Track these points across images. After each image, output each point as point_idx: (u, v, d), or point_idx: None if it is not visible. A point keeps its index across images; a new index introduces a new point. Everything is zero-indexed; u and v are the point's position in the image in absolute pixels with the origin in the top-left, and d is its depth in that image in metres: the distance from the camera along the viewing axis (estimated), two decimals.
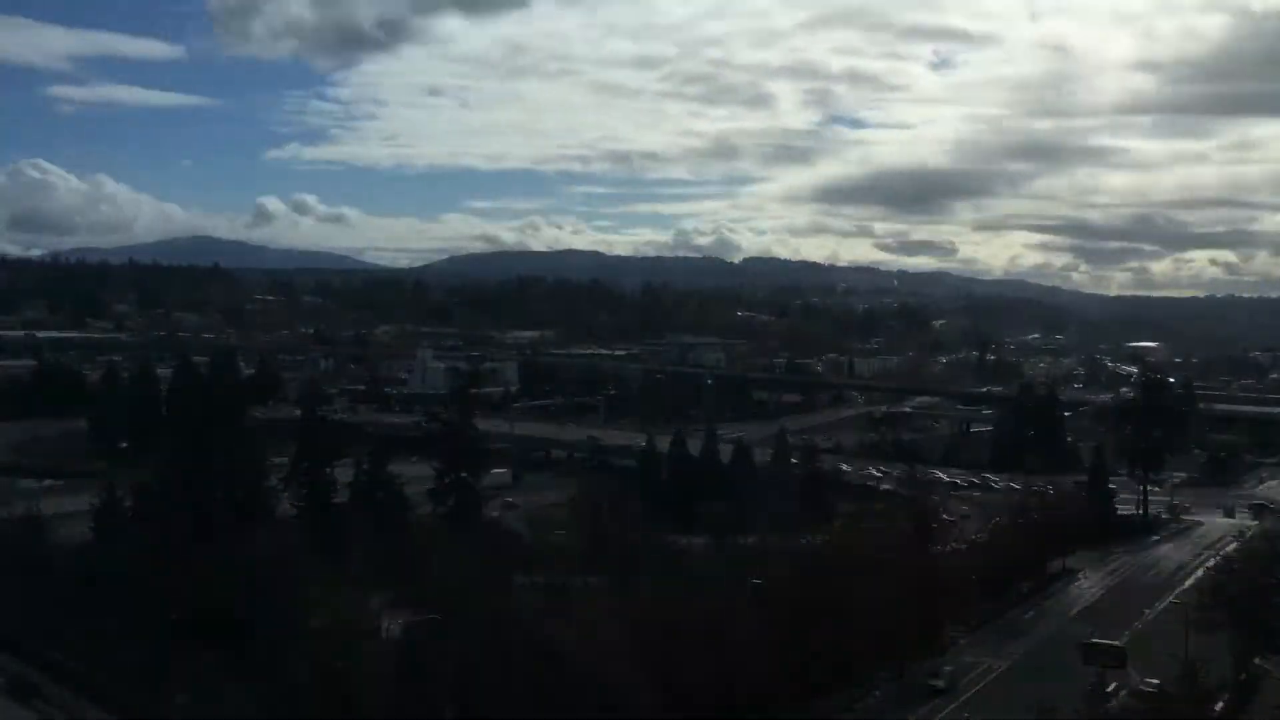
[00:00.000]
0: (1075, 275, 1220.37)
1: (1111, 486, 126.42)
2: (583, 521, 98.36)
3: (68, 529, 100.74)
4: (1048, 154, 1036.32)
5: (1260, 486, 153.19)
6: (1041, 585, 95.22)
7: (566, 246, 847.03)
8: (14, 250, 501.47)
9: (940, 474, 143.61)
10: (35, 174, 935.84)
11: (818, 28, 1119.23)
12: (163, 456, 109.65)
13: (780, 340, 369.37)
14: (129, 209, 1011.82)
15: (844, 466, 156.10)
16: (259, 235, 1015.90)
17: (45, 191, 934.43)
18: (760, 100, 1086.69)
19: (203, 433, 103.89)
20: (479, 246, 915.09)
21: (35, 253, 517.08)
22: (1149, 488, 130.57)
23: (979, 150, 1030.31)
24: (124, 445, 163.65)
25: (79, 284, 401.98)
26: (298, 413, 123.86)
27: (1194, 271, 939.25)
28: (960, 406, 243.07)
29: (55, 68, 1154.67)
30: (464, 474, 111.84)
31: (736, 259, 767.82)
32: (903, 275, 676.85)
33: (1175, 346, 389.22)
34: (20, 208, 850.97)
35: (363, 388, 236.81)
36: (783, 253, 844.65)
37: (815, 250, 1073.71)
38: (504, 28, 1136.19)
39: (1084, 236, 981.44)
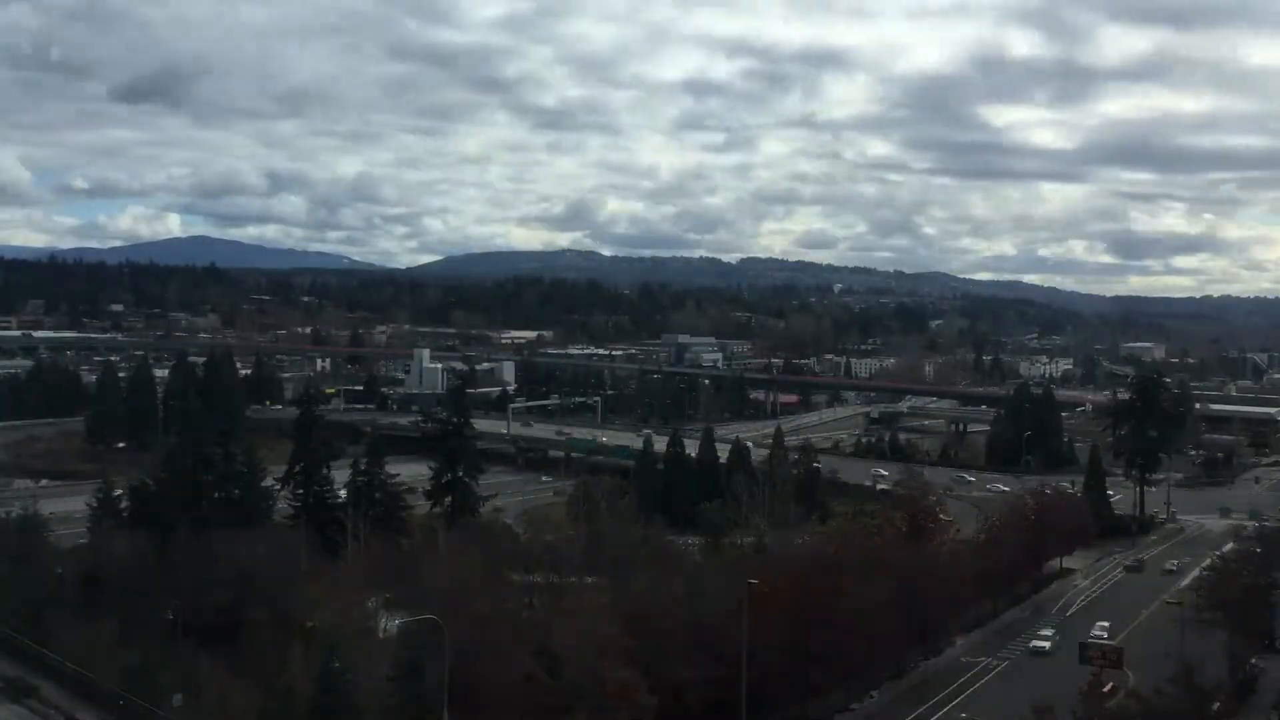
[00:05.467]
0: (1072, 275, 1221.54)
1: (1110, 490, 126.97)
2: (579, 521, 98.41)
3: (65, 529, 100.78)
4: None
5: (1255, 486, 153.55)
6: (1038, 585, 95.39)
7: (563, 246, 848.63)
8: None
9: (937, 474, 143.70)
10: None
11: None
12: (160, 456, 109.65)
13: (777, 340, 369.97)
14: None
15: (840, 466, 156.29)
16: (256, 235, 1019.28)
17: None
18: None
19: (200, 433, 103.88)
20: (475, 246, 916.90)
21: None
22: (1145, 488, 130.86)
23: None
24: (121, 445, 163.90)
25: (76, 284, 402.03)
26: (295, 413, 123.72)
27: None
28: (957, 406, 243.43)
29: None
30: (461, 473, 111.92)
31: (734, 259, 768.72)
32: (900, 275, 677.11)
33: (1172, 347, 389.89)
34: None
35: (360, 388, 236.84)
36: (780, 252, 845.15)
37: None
38: None
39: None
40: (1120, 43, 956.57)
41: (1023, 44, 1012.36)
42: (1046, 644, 73.85)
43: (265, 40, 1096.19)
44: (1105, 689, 56.79)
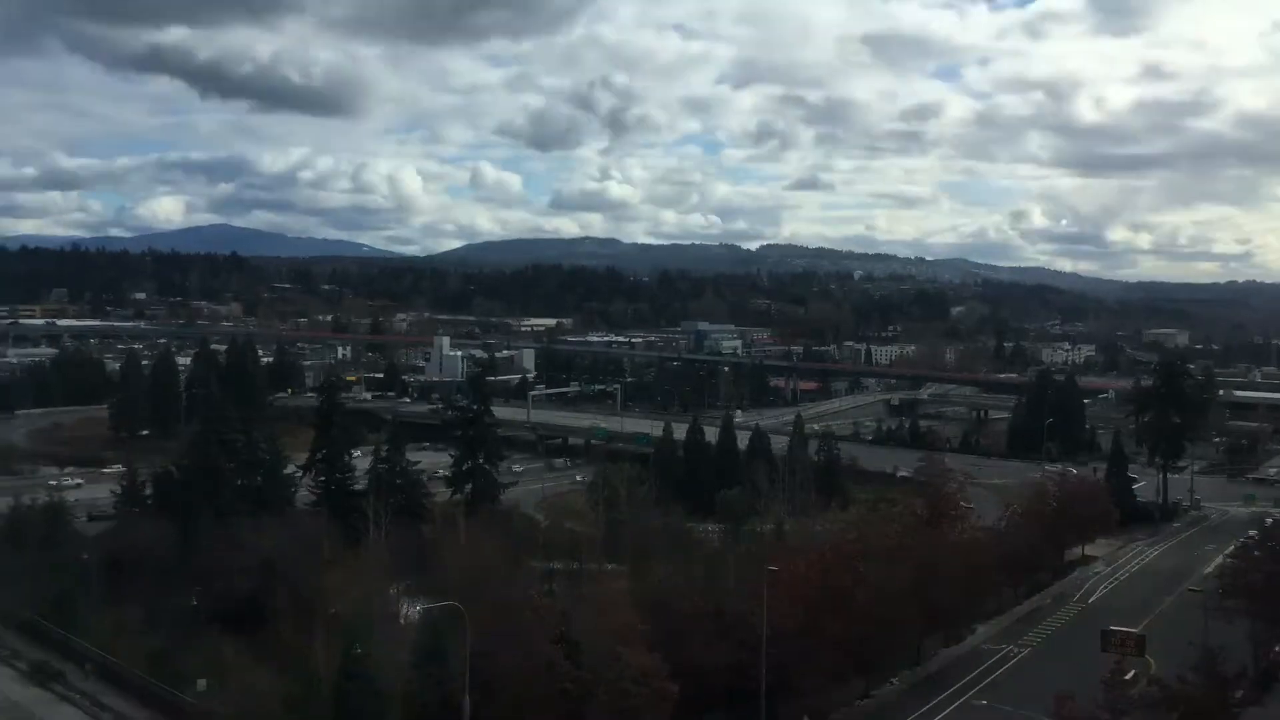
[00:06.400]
0: (1095, 261, 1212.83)
1: (1132, 476, 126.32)
2: (599, 508, 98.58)
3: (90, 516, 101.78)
4: None
5: (1273, 471, 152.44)
6: (1060, 572, 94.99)
7: (582, 234, 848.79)
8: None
9: (958, 461, 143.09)
10: None
11: None
12: (183, 444, 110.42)
13: (797, 327, 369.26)
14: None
15: (861, 453, 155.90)
16: (276, 224, 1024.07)
17: None
18: None
19: (222, 420, 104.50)
20: (495, 234, 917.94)
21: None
22: (1168, 475, 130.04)
23: None
24: (145, 433, 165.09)
25: (99, 272, 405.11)
26: (316, 400, 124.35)
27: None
28: (978, 393, 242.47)
29: None
30: (482, 461, 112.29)
31: (753, 246, 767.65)
32: (920, 262, 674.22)
33: (1195, 333, 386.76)
34: None
35: (380, 375, 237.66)
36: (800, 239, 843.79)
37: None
38: None
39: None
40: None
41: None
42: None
43: (285, 28, 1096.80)
44: (1127, 676, 56.50)
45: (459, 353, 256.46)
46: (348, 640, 53.16)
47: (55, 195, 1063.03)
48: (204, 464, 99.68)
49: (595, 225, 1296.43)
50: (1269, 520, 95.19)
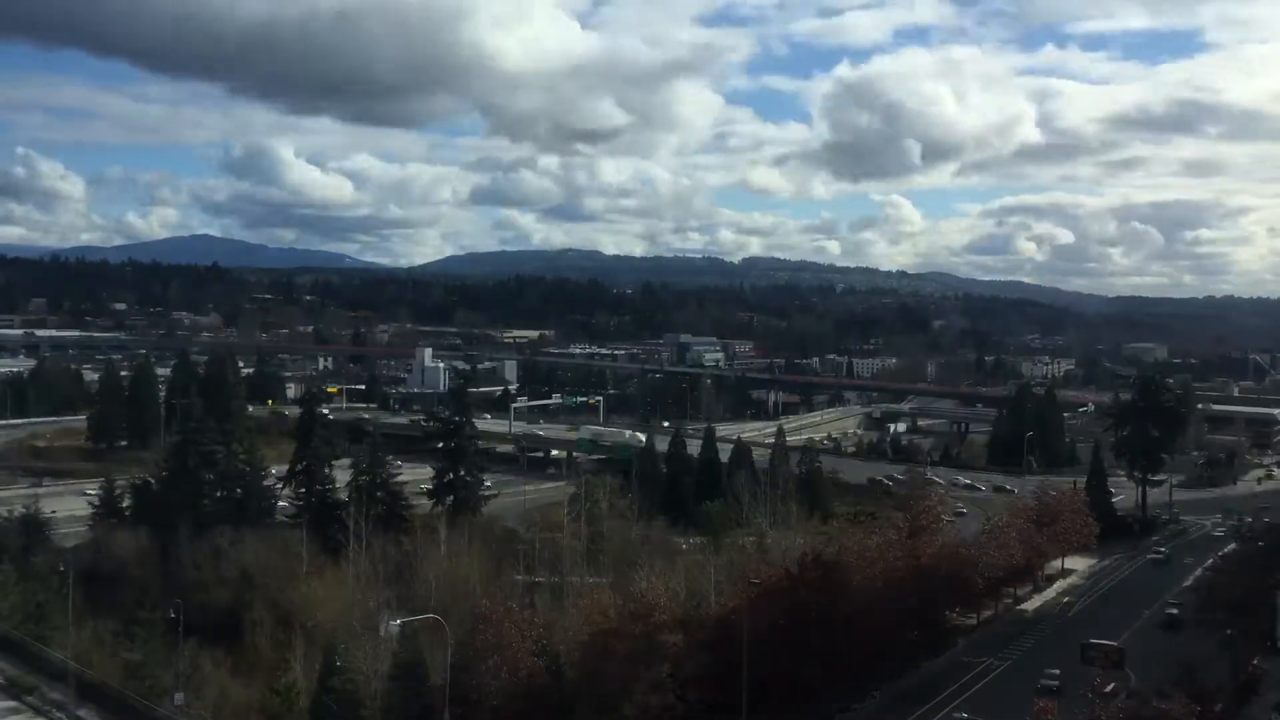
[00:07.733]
0: (1074, 276, 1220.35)
1: (1112, 490, 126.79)
2: (580, 520, 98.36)
3: (67, 528, 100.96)
4: None
5: (1258, 486, 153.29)
6: (1040, 586, 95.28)
7: (565, 245, 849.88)
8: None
9: (938, 474, 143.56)
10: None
11: None
12: (162, 456, 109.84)
13: (779, 340, 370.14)
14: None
15: (842, 466, 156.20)
16: (258, 235, 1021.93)
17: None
18: None
19: (202, 432, 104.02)
20: (478, 245, 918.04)
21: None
22: (1147, 488, 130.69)
23: None
24: (123, 444, 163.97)
25: (79, 283, 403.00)
26: (297, 412, 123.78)
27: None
28: (959, 407, 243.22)
29: None
30: (463, 472, 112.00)
31: (736, 259, 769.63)
32: (902, 275, 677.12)
33: (1174, 347, 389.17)
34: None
35: (362, 387, 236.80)
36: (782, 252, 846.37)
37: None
38: None
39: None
40: None
41: None
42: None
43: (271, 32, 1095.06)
44: (1107, 689, 56.67)
45: (441, 364, 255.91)
46: (328, 653, 52.94)
47: (33, 204, 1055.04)
48: (183, 475, 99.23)
49: (579, 237, 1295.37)
50: (1246, 534, 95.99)
